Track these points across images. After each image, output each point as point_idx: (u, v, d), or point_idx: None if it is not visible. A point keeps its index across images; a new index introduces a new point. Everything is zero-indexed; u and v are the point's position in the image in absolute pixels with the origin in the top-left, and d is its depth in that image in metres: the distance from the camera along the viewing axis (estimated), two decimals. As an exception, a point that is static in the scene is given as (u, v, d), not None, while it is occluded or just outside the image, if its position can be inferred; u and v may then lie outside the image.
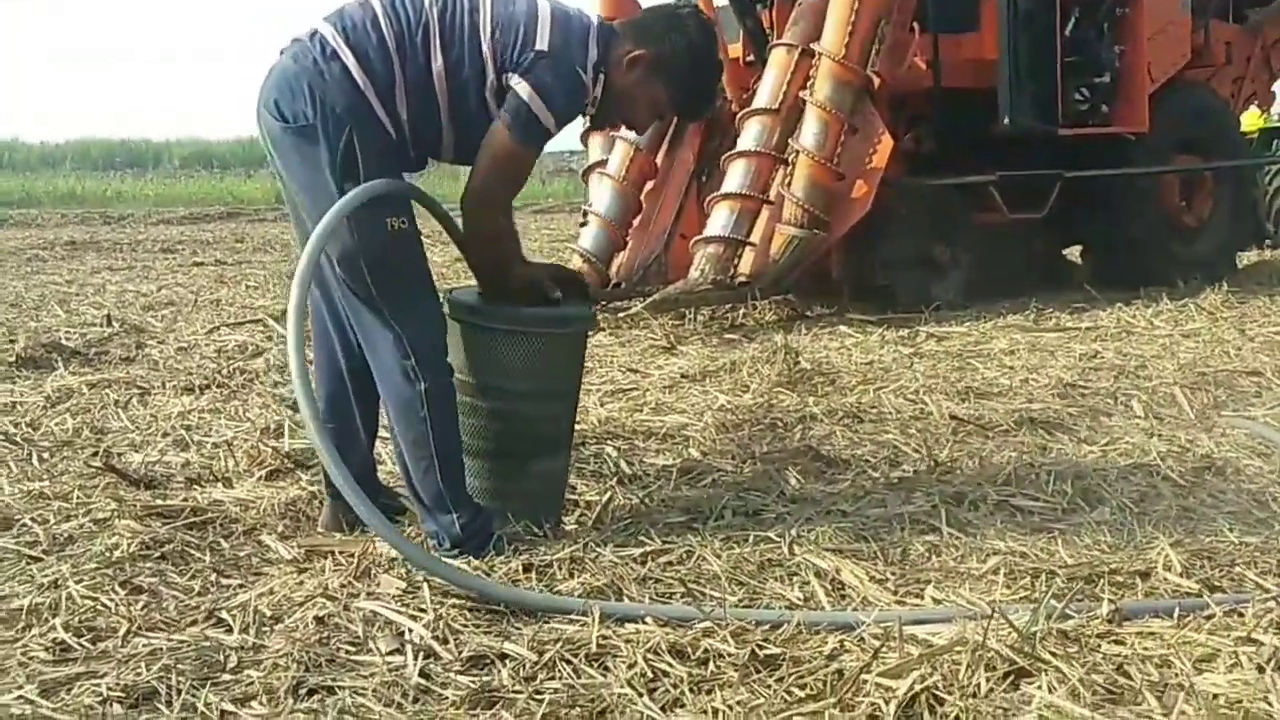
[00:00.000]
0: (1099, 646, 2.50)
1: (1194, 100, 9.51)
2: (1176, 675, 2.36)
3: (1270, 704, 2.19)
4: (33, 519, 3.53)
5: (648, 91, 3.30)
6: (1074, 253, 10.10)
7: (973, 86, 8.41)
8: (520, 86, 3.10)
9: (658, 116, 3.50)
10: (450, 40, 3.14)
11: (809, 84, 7.75)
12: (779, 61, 7.98)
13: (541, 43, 3.10)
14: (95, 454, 4.29)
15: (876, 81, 7.85)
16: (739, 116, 8.11)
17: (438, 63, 3.13)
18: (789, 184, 7.64)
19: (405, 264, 3.19)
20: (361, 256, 3.12)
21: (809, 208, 7.55)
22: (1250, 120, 12.93)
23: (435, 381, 3.15)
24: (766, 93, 7.95)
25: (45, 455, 4.35)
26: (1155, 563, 3.07)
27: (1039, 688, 2.31)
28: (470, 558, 3.12)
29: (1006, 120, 8.24)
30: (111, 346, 6.85)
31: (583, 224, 8.85)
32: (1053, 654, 2.42)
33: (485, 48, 3.13)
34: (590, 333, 3.74)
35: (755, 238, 7.73)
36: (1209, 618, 2.63)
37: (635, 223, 8.67)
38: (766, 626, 2.67)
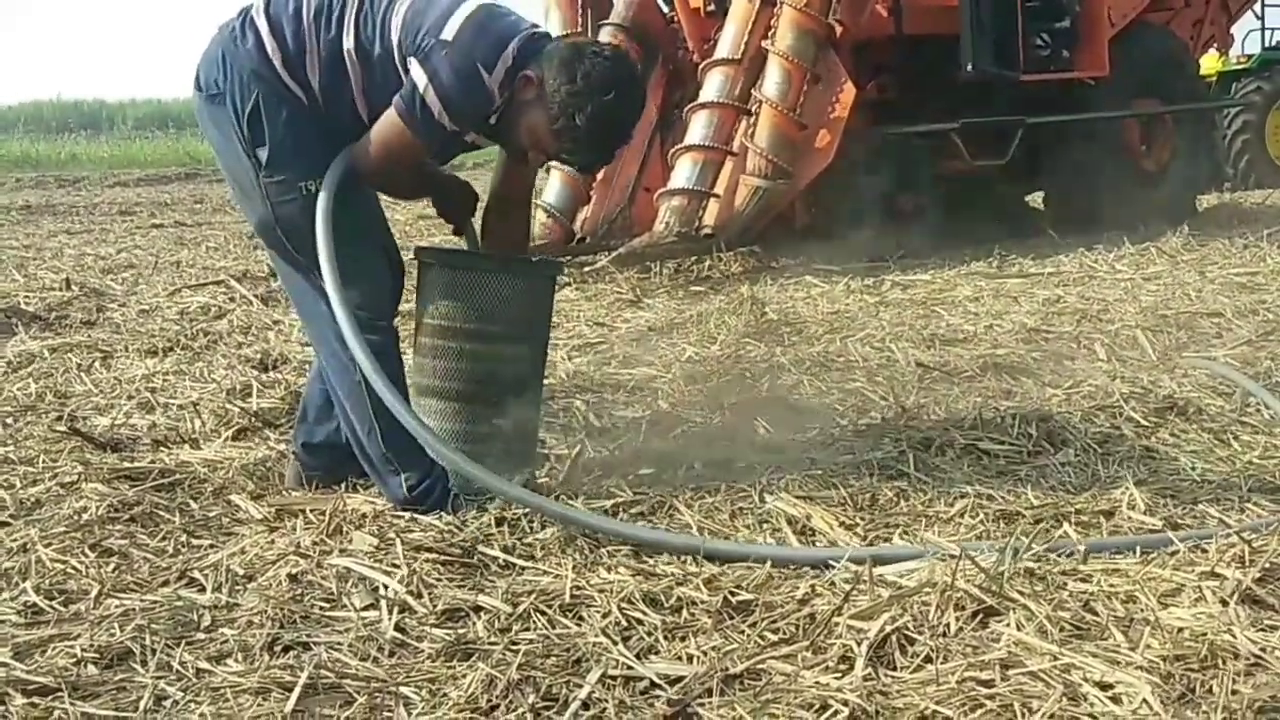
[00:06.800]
0: (1065, 584, 2.54)
1: (1154, 44, 9.54)
2: (1142, 610, 2.40)
3: (1234, 636, 2.23)
4: (-2, 484, 3.50)
5: (529, 118, 3.10)
6: (1036, 199, 10.15)
7: (934, 33, 8.41)
8: (416, 72, 3.03)
9: (544, 152, 3.21)
10: (364, 20, 3.11)
11: (770, 33, 7.71)
12: (740, 11, 7.93)
13: (448, 33, 3.02)
14: (59, 418, 4.25)
15: (838, 30, 7.83)
16: (701, 67, 8.07)
17: (349, 40, 3.11)
18: (752, 135, 7.63)
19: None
20: (278, 225, 3.17)
21: (773, 158, 7.54)
22: (1209, 63, 12.99)
23: (366, 343, 3.12)
24: (728, 43, 7.91)
25: (8, 420, 4.30)
26: (1119, 502, 3.12)
27: (1008, 625, 2.34)
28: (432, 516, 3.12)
29: (969, 67, 8.24)
30: (72, 310, 6.77)
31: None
32: (1020, 592, 2.45)
33: (395, 33, 3.08)
34: (557, 277, 3.76)
35: (719, 189, 7.72)
36: (1173, 554, 2.67)
37: (599, 176, 8.62)
38: (738, 573, 2.70)
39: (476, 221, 3.54)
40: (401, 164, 3.18)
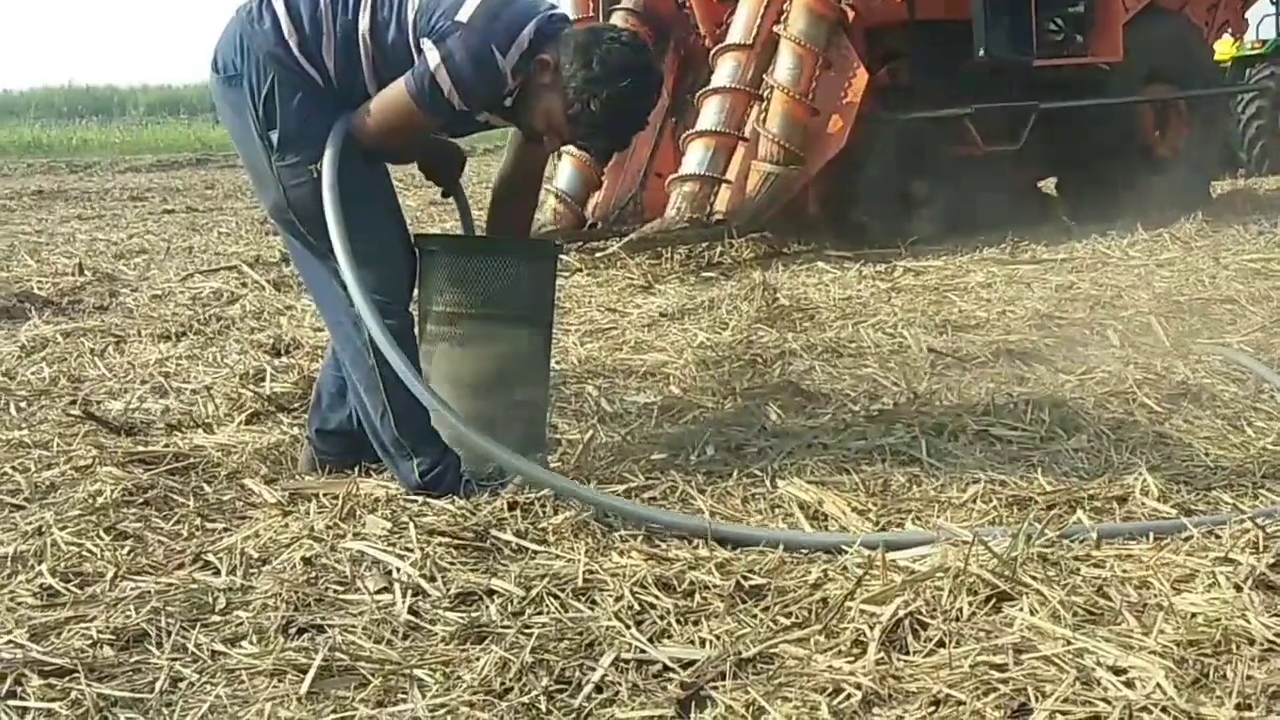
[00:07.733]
0: (1078, 569, 2.54)
1: (1168, 29, 9.47)
2: (1156, 596, 2.40)
3: (1248, 621, 2.23)
4: (13, 467, 3.51)
5: (545, 101, 3.11)
6: (1049, 184, 10.10)
7: (947, 18, 8.36)
8: (430, 52, 3.03)
9: (559, 137, 3.22)
10: (381, 2, 3.12)
11: (783, 18, 7.68)
12: (752, -5, 7.90)
13: (463, 15, 3.02)
14: (73, 402, 4.27)
15: (850, 14, 7.79)
16: (713, 53, 8.04)
17: (364, 22, 3.11)
18: (764, 120, 7.60)
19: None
20: (291, 208, 3.17)
21: (785, 144, 7.52)
22: (1224, 48, 12.91)
23: (384, 327, 3.11)
24: (740, 27, 7.88)
25: (23, 404, 4.32)
26: (1133, 487, 3.11)
27: (1021, 610, 2.34)
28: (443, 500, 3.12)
29: (981, 52, 8.20)
30: (85, 295, 6.79)
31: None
32: (1033, 577, 2.45)
33: (410, 14, 3.08)
34: (559, 258, 3.76)
35: (731, 175, 7.70)
36: (1186, 540, 2.67)
37: (610, 161, 8.60)
38: (750, 557, 2.70)
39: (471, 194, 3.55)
40: (401, 135, 3.21)
